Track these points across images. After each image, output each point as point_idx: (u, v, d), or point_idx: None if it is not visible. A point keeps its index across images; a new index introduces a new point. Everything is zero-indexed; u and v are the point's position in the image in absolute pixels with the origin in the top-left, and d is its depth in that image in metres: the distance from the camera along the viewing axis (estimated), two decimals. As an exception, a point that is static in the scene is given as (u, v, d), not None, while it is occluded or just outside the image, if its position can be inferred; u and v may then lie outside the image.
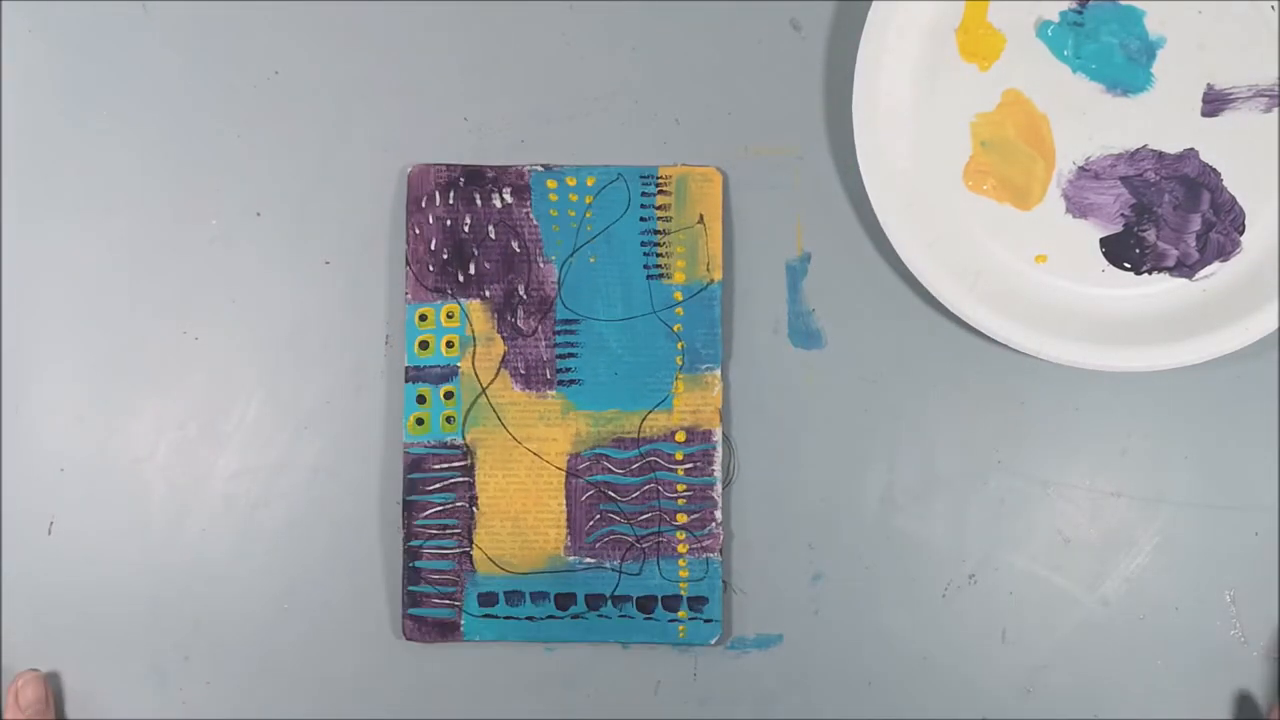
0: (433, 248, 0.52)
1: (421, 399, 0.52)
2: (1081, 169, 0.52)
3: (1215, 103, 0.52)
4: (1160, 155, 0.52)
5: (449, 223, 0.52)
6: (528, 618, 0.52)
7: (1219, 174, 0.52)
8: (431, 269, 0.52)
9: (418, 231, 0.52)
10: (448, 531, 0.52)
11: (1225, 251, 0.52)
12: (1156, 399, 0.53)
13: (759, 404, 0.53)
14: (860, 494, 0.53)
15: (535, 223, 0.52)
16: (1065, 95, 0.52)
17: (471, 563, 0.52)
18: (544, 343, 0.52)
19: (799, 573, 0.53)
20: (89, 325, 0.53)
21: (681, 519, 0.52)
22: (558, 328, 0.52)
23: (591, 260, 0.52)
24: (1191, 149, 0.52)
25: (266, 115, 0.54)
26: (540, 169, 0.52)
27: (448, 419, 0.52)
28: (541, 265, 0.52)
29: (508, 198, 0.52)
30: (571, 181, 0.52)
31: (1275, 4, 0.51)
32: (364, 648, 0.53)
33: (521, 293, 0.52)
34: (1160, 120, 0.52)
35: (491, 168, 0.53)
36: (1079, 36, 0.52)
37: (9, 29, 0.54)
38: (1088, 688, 0.52)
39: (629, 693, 0.53)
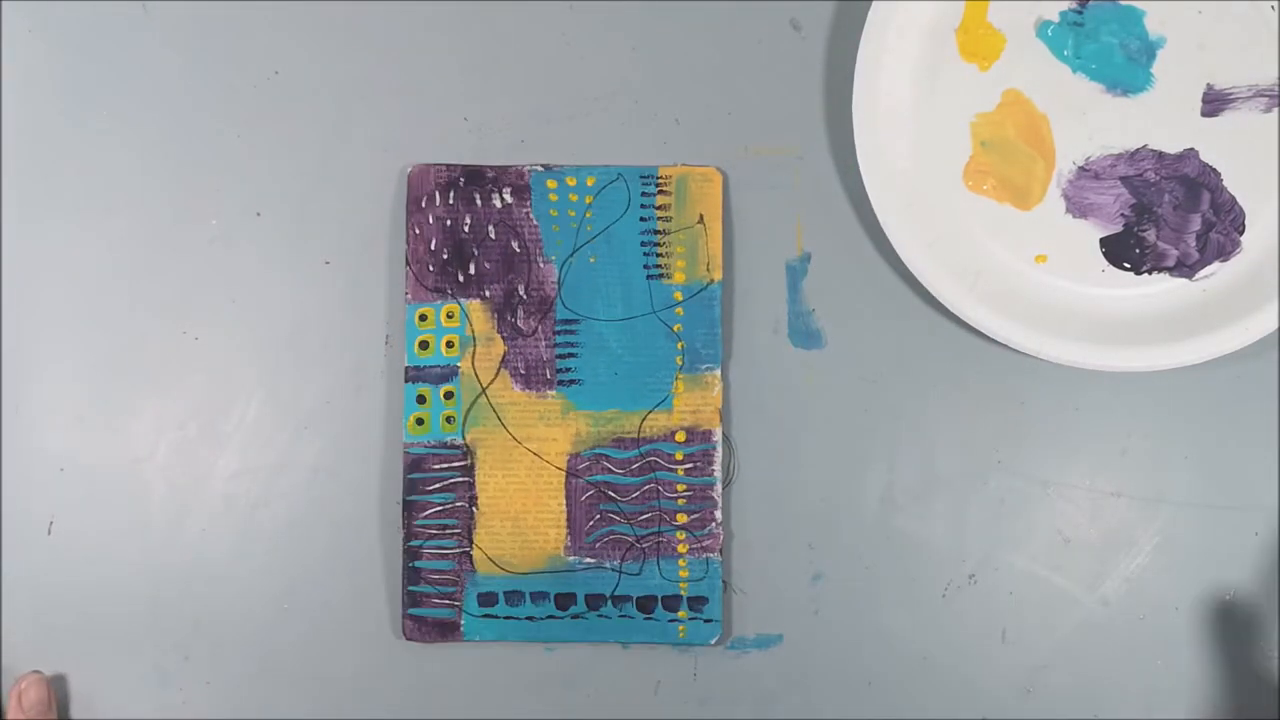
0: (433, 248, 0.52)
1: (421, 399, 0.52)
2: (1081, 169, 0.52)
3: (1215, 103, 0.52)
4: (1160, 155, 0.52)
5: (449, 223, 0.52)
6: (528, 618, 0.52)
7: (1219, 174, 0.52)
8: (431, 269, 0.52)
9: (418, 231, 0.52)
10: (448, 531, 0.52)
11: (1225, 251, 0.52)
12: (1156, 399, 0.53)
13: (759, 404, 0.53)
14: (860, 494, 0.53)
15: (535, 223, 0.52)
16: (1065, 95, 0.52)
17: (471, 563, 0.52)
18: (544, 343, 0.52)
19: (799, 573, 0.53)
20: (89, 325, 0.53)
21: (681, 519, 0.52)
22: (558, 328, 0.52)
23: (591, 260, 0.52)
24: (1191, 149, 0.52)
25: (266, 115, 0.54)
26: (540, 169, 0.52)
27: (448, 419, 0.52)
28: (541, 265, 0.52)
29: (508, 198, 0.52)
30: (571, 181, 0.52)
31: (1275, 4, 0.51)
32: (364, 648, 0.53)
33: (521, 293, 0.52)
34: (1160, 120, 0.52)
35: (491, 168, 0.53)
36: (1079, 36, 0.52)
37: (9, 29, 0.54)
38: (1088, 688, 0.52)
39: (629, 693, 0.53)
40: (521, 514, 0.52)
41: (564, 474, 0.52)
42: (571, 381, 0.52)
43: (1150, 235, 0.52)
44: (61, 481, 0.53)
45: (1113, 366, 0.51)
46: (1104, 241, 0.52)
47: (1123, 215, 0.52)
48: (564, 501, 0.52)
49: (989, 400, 0.53)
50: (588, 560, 0.52)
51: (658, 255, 0.52)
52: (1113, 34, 0.52)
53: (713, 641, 0.52)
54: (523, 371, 0.52)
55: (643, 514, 0.52)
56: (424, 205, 0.52)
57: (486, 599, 0.52)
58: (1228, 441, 0.53)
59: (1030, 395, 0.53)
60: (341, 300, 0.53)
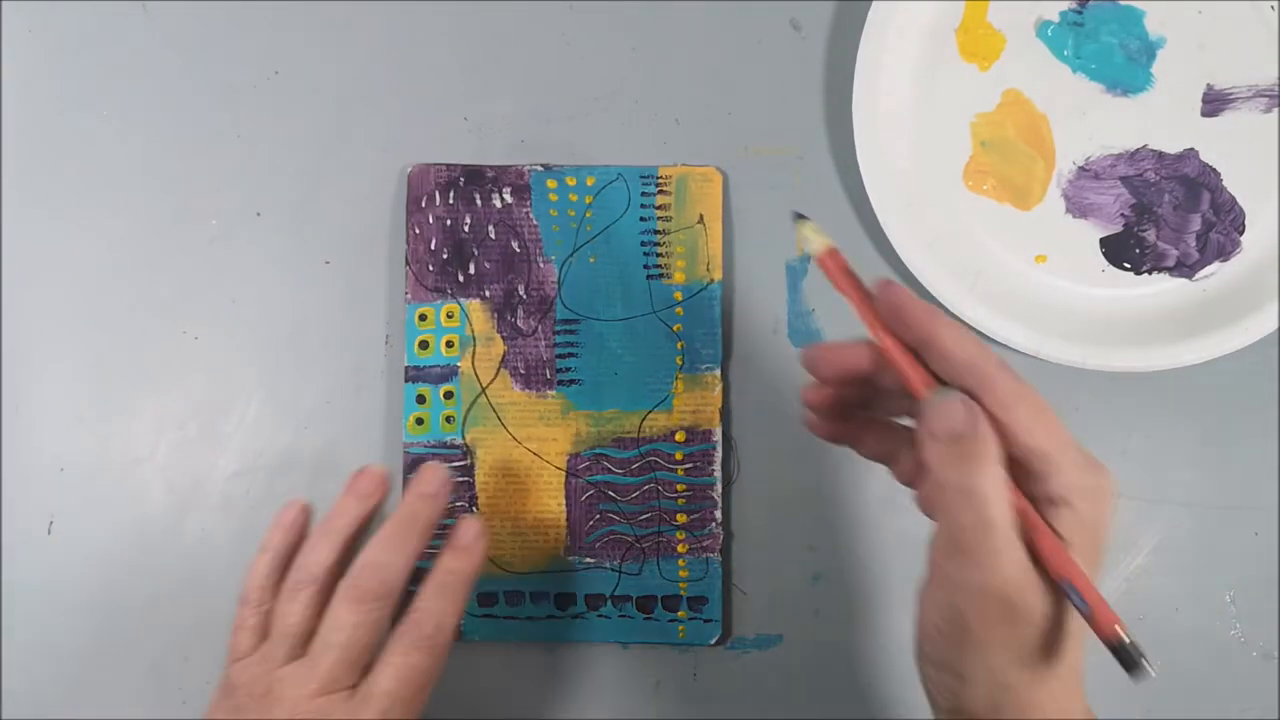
0: (433, 248, 0.52)
1: (421, 399, 0.52)
2: (1081, 169, 0.52)
3: (1215, 103, 0.52)
4: (1160, 155, 0.52)
5: (449, 222, 0.52)
6: (528, 618, 0.52)
7: (1219, 174, 0.52)
8: (431, 269, 0.52)
9: (418, 231, 0.52)
10: (448, 531, 0.52)
11: (1225, 251, 0.52)
12: (1156, 399, 0.53)
13: (759, 404, 0.53)
14: (860, 494, 0.53)
15: (535, 223, 0.52)
16: (1065, 95, 0.52)
17: (471, 563, 0.52)
18: (544, 343, 0.52)
19: (799, 573, 0.53)
20: (89, 325, 0.53)
21: (681, 519, 0.52)
22: (558, 328, 0.52)
23: (591, 260, 0.52)
24: (1191, 149, 0.52)
25: (266, 115, 0.54)
26: (540, 169, 0.52)
27: (447, 419, 0.52)
28: (541, 265, 0.52)
29: (508, 198, 0.52)
30: (571, 181, 0.52)
31: (1275, 4, 0.51)
32: (364, 648, 0.53)
33: (521, 293, 0.52)
34: (1160, 120, 0.52)
35: (491, 168, 0.53)
36: (1079, 36, 0.52)
37: (9, 29, 0.54)
38: (1087, 688, 0.52)
39: (629, 693, 0.53)
40: (521, 514, 0.52)
41: (564, 474, 0.52)
42: (571, 381, 0.52)
43: (1150, 235, 0.52)
44: (61, 481, 0.53)
45: (1113, 366, 0.51)
46: (1104, 241, 0.52)
47: (1123, 215, 0.52)
48: (564, 501, 0.52)
49: (989, 400, 0.53)
50: (588, 560, 0.52)
51: (658, 255, 0.52)
52: (1113, 34, 0.52)
53: (713, 641, 0.52)
54: (523, 371, 0.52)
55: (643, 514, 0.52)
56: (424, 205, 0.52)
57: (486, 599, 0.52)
58: (1228, 441, 0.53)
59: (1030, 395, 0.53)
60: (341, 300, 0.53)
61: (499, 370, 0.52)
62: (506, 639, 0.52)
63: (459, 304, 0.52)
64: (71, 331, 0.53)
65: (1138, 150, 0.52)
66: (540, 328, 0.52)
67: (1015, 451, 0.35)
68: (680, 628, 0.52)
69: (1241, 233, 0.52)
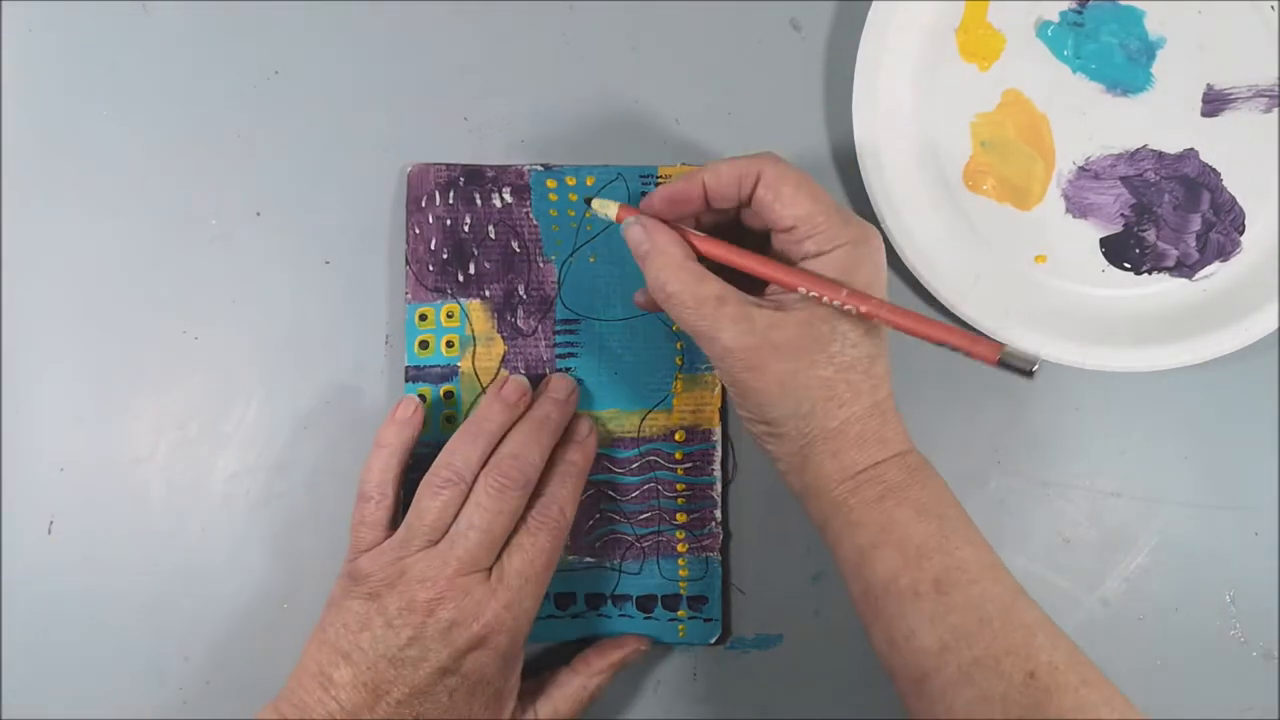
0: (433, 247, 0.52)
1: (421, 399, 0.52)
2: (1081, 169, 0.52)
3: (1215, 103, 0.52)
4: (1160, 155, 0.52)
5: (449, 222, 0.52)
6: (528, 618, 0.52)
7: (1219, 174, 0.52)
8: (431, 269, 0.52)
9: (418, 231, 0.52)
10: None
11: (1225, 251, 0.52)
12: (1156, 399, 0.53)
13: (759, 404, 0.53)
14: (860, 494, 0.53)
15: (535, 222, 0.52)
16: (1065, 95, 0.52)
17: (471, 563, 0.52)
18: (544, 342, 0.52)
19: (799, 573, 0.53)
20: (89, 325, 0.53)
21: (681, 518, 0.52)
22: (558, 328, 0.52)
23: (591, 260, 0.52)
24: (1191, 149, 0.52)
25: (266, 115, 0.54)
26: (540, 169, 0.52)
27: (448, 419, 0.52)
28: (541, 265, 0.52)
29: (507, 197, 0.52)
30: (571, 181, 0.52)
31: (1275, 4, 0.51)
32: (364, 648, 0.53)
33: (521, 293, 0.52)
34: (1160, 120, 0.52)
35: (491, 167, 0.53)
36: (1079, 36, 0.52)
37: (9, 29, 0.54)
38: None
39: (629, 693, 0.53)
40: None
41: (564, 474, 0.52)
42: (571, 381, 0.52)
43: (1150, 235, 0.52)
44: (61, 481, 0.53)
45: (1113, 366, 0.51)
46: (1104, 241, 0.52)
47: (1123, 215, 0.52)
48: (564, 501, 0.52)
49: (989, 400, 0.53)
50: (588, 559, 0.52)
51: (658, 255, 0.52)
52: (1113, 34, 0.52)
53: (712, 641, 0.52)
54: (523, 371, 0.52)
55: (642, 513, 0.52)
56: (424, 205, 0.52)
57: (486, 599, 0.52)
58: (1228, 441, 0.53)
59: (1030, 395, 0.53)
60: (341, 300, 0.53)
61: (499, 370, 0.52)
62: (506, 639, 0.52)
63: (459, 304, 0.52)
64: (71, 331, 0.53)
65: (1138, 150, 0.52)
66: (540, 328, 0.52)
67: (786, 221, 0.43)
68: (680, 627, 0.52)
69: (1241, 233, 0.52)
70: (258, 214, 0.54)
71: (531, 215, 0.52)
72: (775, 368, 0.43)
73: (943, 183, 0.52)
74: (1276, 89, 0.51)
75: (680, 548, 0.52)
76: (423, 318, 0.52)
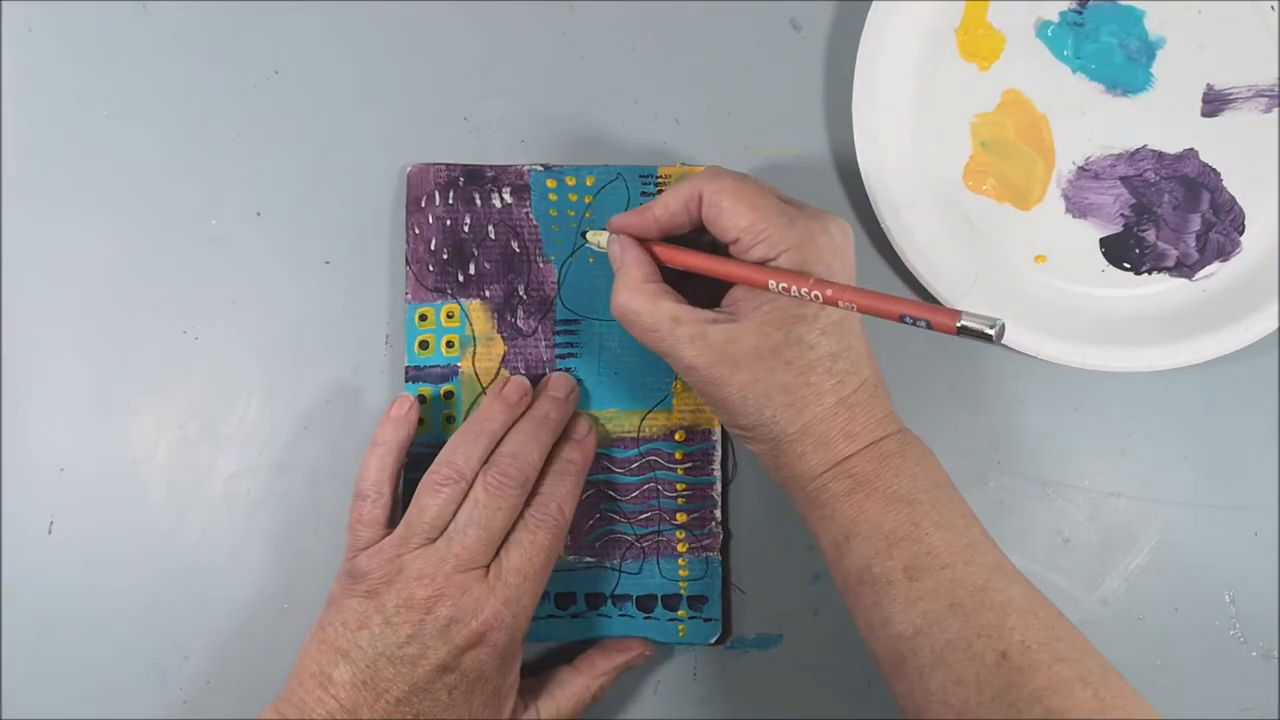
0: (433, 248, 0.52)
1: (422, 399, 0.52)
2: (1081, 169, 0.52)
3: (1215, 103, 0.52)
4: (1160, 155, 0.52)
5: (449, 222, 0.52)
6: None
7: (1219, 174, 0.52)
8: (431, 269, 0.52)
9: (418, 231, 0.52)
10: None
11: (1225, 251, 0.52)
12: (1156, 399, 0.53)
13: (759, 404, 0.53)
14: (860, 494, 0.52)
15: (535, 223, 0.52)
16: (1065, 95, 0.52)
17: (471, 563, 0.52)
18: (544, 343, 0.52)
19: (799, 573, 0.53)
20: (89, 325, 0.53)
21: (681, 518, 0.52)
22: (558, 328, 0.52)
23: (591, 260, 0.52)
24: (1191, 149, 0.52)
25: (266, 115, 0.54)
26: (540, 169, 0.52)
27: (448, 419, 0.52)
28: (541, 265, 0.52)
29: (507, 197, 0.52)
30: (571, 181, 0.52)
31: (1275, 4, 0.51)
32: (364, 648, 0.53)
33: (521, 293, 0.52)
34: (1160, 120, 0.52)
35: (491, 167, 0.53)
36: (1079, 36, 0.52)
37: (9, 29, 0.54)
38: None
39: (629, 693, 0.53)
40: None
41: (564, 474, 0.52)
42: (571, 381, 0.52)
43: (1150, 235, 0.52)
44: (61, 482, 0.53)
45: (1113, 366, 0.51)
46: (1104, 241, 0.52)
47: (1122, 215, 0.52)
48: (564, 501, 0.52)
49: (989, 400, 0.53)
50: (588, 559, 0.52)
51: (658, 255, 0.52)
52: (1113, 34, 0.52)
53: (712, 641, 0.52)
54: (523, 371, 0.52)
55: (642, 513, 0.52)
56: (424, 205, 0.52)
57: (486, 599, 0.52)
58: (1228, 441, 0.53)
59: (1030, 395, 0.53)
60: (341, 300, 0.53)
61: (499, 370, 0.52)
62: (506, 639, 0.52)
63: (459, 304, 0.52)
64: (71, 331, 0.53)
65: (1138, 150, 0.52)
66: (540, 328, 0.52)
67: (730, 234, 0.44)
68: (680, 627, 0.52)
69: (1241, 233, 0.52)
70: (258, 214, 0.54)
71: (531, 215, 0.52)
72: (736, 379, 0.43)
73: (943, 183, 0.52)
74: (1276, 89, 0.51)
75: (680, 548, 0.52)
76: (423, 318, 0.52)
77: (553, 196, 0.52)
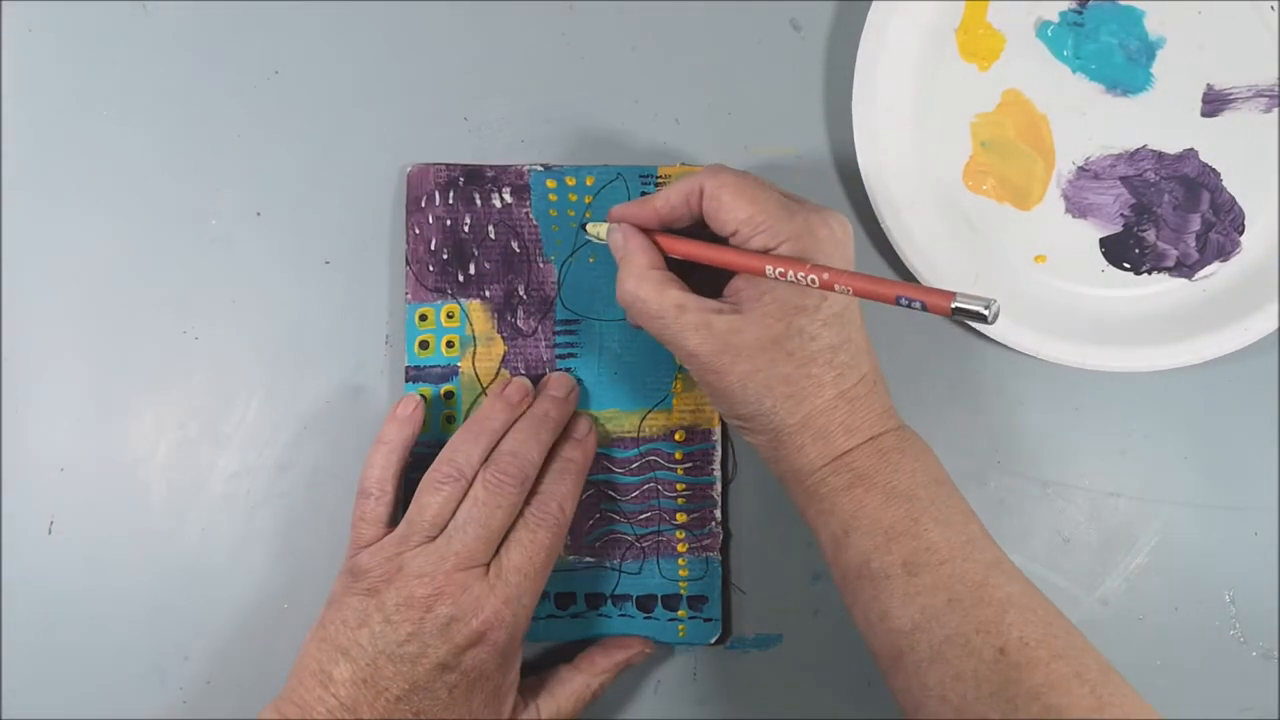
0: (433, 248, 0.52)
1: (422, 399, 0.52)
2: (1081, 169, 0.52)
3: (1215, 103, 0.52)
4: (1160, 155, 0.52)
5: (449, 222, 0.52)
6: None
7: (1219, 174, 0.52)
8: (431, 269, 0.52)
9: (418, 231, 0.52)
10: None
11: (1225, 251, 0.52)
12: (1156, 399, 0.53)
13: (759, 404, 0.53)
14: (860, 494, 0.52)
15: (535, 223, 0.52)
16: (1065, 95, 0.52)
17: (471, 563, 0.52)
18: (544, 343, 0.52)
19: (799, 572, 0.53)
20: (89, 325, 0.53)
21: (681, 518, 0.52)
22: (558, 328, 0.52)
23: (591, 260, 0.52)
24: (1191, 149, 0.52)
25: (266, 115, 0.54)
26: (540, 169, 0.52)
27: (448, 419, 0.52)
28: (541, 265, 0.52)
29: (507, 198, 0.52)
30: (571, 181, 0.52)
31: (1275, 4, 0.51)
32: (364, 648, 0.53)
33: (521, 293, 0.52)
34: (1160, 120, 0.52)
35: (491, 167, 0.53)
36: (1079, 36, 0.52)
37: (9, 29, 0.54)
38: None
39: (629, 692, 0.53)
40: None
41: (564, 474, 0.52)
42: (571, 381, 0.52)
43: (1150, 235, 0.52)
44: (61, 482, 0.53)
45: (1113, 366, 0.51)
46: (1104, 241, 0.52)
47: (1122, 215, 0.52)
48: (564, 501, 0.52)
49: (989, 400, 0.53)
50: (588, 559, 0.52)
51: (658, 255, 0.52)
52: (1113, 34, 0.52)
53: (712, 641, 0.52)
54: (523, 371, 0.52)
55: (642, 513, 0.52)
56: (424, 205, 0.52)
57: (486, 599, 0.52)
58: (1228, 441, 0.53)
59: (1030, 395, 0.53)
60: (341, 300, 0.53)
61: (499, 370, 0.52)
62: (506, 639, 0.52)
63: (459, 304, 0.52)
64: (71, 331, 0.53)
65: (1137, 150, 0.52)
66: (540, 328, 0.52)
67: (730, 227, 0.44)
68: (680, 627, 0.52)
69: (1241, 233, 0.52)
70: (258, 214, 0.54)
71: (531, 215, 0.52)
72: (737, 368, 0.44)
73: (943, 183, 0.52)
74: (1276, 89, 0.52)
75: (680, 548, 0.52)
76: (423, 318, 0.52)
77: (553, 197, 0.52)
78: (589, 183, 0.52)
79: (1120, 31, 0.52)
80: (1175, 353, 0.51)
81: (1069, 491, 0.53)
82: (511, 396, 0.50)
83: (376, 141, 0.54)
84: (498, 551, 0.46)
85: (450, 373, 0.52)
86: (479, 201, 0.52)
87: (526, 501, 0.47)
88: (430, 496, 0.46)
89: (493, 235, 0.52)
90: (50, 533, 0.53)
